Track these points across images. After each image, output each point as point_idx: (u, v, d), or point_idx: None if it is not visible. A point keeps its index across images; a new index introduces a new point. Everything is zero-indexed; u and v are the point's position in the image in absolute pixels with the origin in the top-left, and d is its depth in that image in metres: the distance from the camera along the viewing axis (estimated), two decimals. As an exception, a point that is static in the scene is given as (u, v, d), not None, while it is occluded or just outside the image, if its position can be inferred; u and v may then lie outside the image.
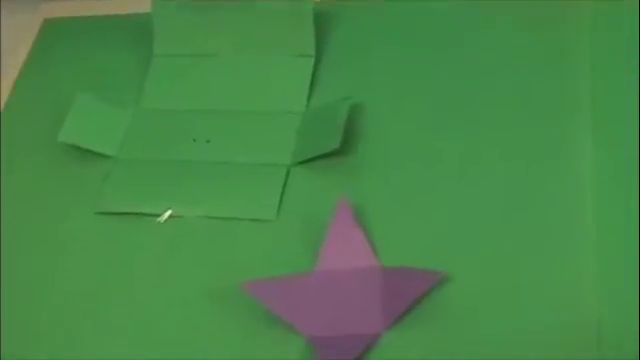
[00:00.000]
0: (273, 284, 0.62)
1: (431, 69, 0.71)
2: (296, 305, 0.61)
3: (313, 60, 0.73)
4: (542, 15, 0.71)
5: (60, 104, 0.75)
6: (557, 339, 0.57)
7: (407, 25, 0.74)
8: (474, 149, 0.66)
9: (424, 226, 0.63)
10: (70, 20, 0.83)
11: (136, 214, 0.69)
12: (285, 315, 0.60)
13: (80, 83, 0.77)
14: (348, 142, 0.68)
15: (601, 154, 0.63)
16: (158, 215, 0.68)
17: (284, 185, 0.68)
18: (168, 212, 0.68)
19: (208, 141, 0.71)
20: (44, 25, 0.84)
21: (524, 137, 0.65)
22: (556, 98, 0.66)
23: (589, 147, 0.64)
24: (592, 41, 0.69)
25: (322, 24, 0.75)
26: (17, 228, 0.71)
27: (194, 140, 0.72)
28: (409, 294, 0.60)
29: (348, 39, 0.75)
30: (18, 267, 0.69)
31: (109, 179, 0.71)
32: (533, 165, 0.64)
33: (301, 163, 0.68)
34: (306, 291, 0.61)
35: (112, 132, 0.74)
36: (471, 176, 0.65)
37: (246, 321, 0.62)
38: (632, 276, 0.58)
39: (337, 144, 0.66)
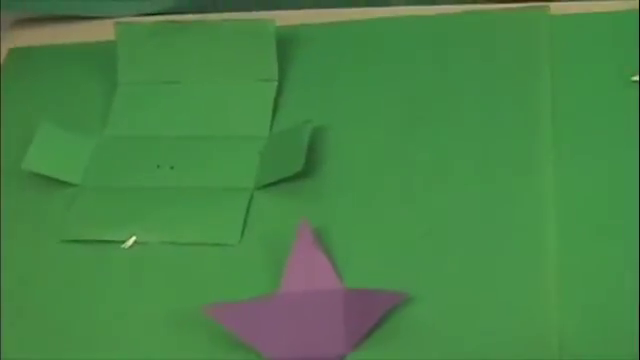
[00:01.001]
0: (234, 307, 0.61)
1: (393, 90, 0.72)
2: (258, 328, 0.61)
3: (276, 84, 0.74)
4: (503, 30, 0.72)
5: (24, 132, 0.75)
6: (520, 355, 0.57)
7: (368, 47, 0.75)
8: (435, 169, 0.66)
9: (386, 246, 0.63)
10: (34, 49, 0.83)
11: (101, 241, 0.69)
12: (248, 338, 0.60)
13: (44, 112, 0.77)
14: (311, 165, 0.68)
15: (564, 164, 0.64)
16: (123, 242, 0.68)
17: (247, 209, 0.68)
18: (132, 238, 0.68)
19: (172, 167, 0.71)
20: (8, 55, 0.84)
21: (486, 153, 0.66)
22: (518, 111, 0.67)
23: (552, 158, 0.65)
24: (552, 54, 0.70)
25: (284, 48, 0.75)
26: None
27: (158, 166, 0.72)
28: (372, 315, 0.60)
29: (310, 62, 0.75)
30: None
31: (73, 207, 0.71)
32: (496, 181, 0.65)
33: (264, 187, 0.69)
34: (268, 314, 0.61)
35: (76, 160, 0.73)
36: (432, 196, 0.65)
37: (210, 345, 0.61)
38: (593, 289, 0.59)
39: (300, 167, 0.66)
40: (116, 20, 0.79)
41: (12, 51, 0.84)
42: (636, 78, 0.67)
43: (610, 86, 0.67)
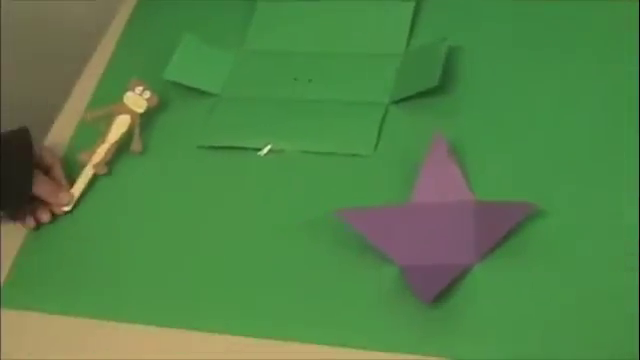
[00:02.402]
0: (368, 213, 0.63)
1: (527, 15, 0.72)
2: (389, 234, 0.62)
3: (414, 4, 0.75)
4: None
5: (167, 45, 0.78)
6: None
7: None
8: (566, 91, 0.67)
9: (518, 162, 0.64)
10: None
11: (238, 148, 0.71)
12: (378, 243, 0.62)
13: (186, 26, 0.80)
14: (445, 82, 0.69)
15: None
16: (259, 149, 0.71)
17: (382, 122, 0.69)
18: (268, 146, 0.70)
19: (310, 80, 0.73)
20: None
21: (613, 87, 0.66)
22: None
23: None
24: None
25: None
26: (125, 160, 0.74)
27: (295, 79, 0.74)
28: (501, 227, 0.61)
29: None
30: (127, 196, 0.72)
31: (212, 115, 0.74)
32: (621, 107, 0.65)
33: (399, 101, 0.70)
34: (400, 221, 0.63)
35: (216, 71, 0.76)
36: (562, 117, 0.66)
37: (341, 249, 0.63)
38: None
39: (436, 82, 0.67)
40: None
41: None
42: None
43: None
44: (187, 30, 0.79)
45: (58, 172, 0.71)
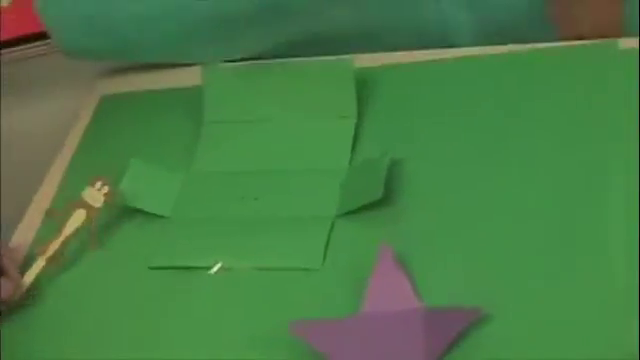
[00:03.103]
0: (319, 325, 0.64)
1: (466, 126, 0.75)
2: (341, 345, 0.63)
3: (355, 121, 0.77)
4: (573, 66, 0.75)
5: (117, 171, 0.79)
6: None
7: (441, 87, 0.79)
8: (508, 196, 0.69)
9: (465, 267, 0.65)
10: (125, 95, 0.89)
11: (188, 268, 0.72)
12: (331, 355, 0.62)
13: (136, 151, 0.82)
14: (389, 194, 0.71)
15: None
16: (209, 268, 0.71)
17: (329, 235, 0.70)
18: (218, 264, 0.71)
19: (256, 198, 0.75)
20: (100, 102, 0.89)
21: (559, 187, 0.68)
22: (590, 147, 0.70)
23: (623, 185, 0.66)
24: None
25: (361, 88, 0.79)
26: (76, 280, 0.75)
27: (242, 198, 0.75)
28: (450, 332, 0.61)
29: (386, 102, 0.79)
30: (74, 316, 0.72)
31: (163, 236, 0.75)
32: (568, 207, 0.66)
33: (345, 215, 0.71)
34: (351, 332, 0.63)
35: (165, 194, 0.78)
36: (508, 222, 0.67)
37: (294, 364, 0.64)
38: None
39: (379, 194, 0.69)
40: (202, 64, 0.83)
41: (104, 98, 0.89)
42: None
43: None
44: (136, 154, 0.80)
45: (5, 262, 0.72)
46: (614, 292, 0.61)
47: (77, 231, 0.74)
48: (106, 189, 0.75)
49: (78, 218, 0.74)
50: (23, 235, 0.80)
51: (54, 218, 0.75)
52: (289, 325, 0.64)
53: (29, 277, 0.73)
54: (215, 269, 0.71)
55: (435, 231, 0.68)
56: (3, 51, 0.87)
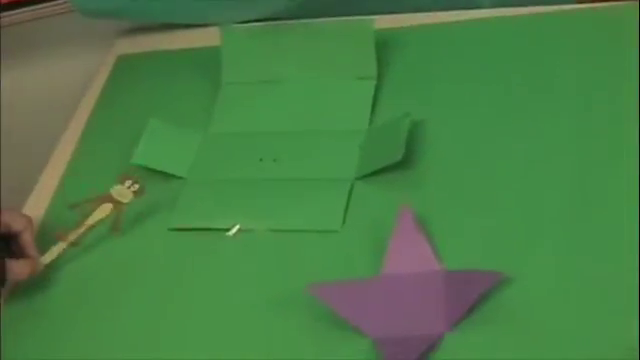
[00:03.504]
0: (339, 287, 0.64)
1: (486, 86, 0.75)
2: (361, 307, 0.63)
3: (375, 82, 0.77)
4: (594, 26, 0.75)
5: (134, 130, 0.79)
6: (617, 341, 0.57)
7: (462, 47, 0.78)
8: (528, 158, 0.68)
9: (485, 231, 0.65)
10: (142, 55, 0.89)
11: (207, 229, 0.72)
12: (350, 317, 0.62)
13: (152, 111, 0.81)
14: (409, 156, 0.71)
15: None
16: (228, 230, 0.71)
17: (349, 198, 0.70)
18: (237, 227, 0.71)
19: (274, 160, 0.75)
20: (117, 61, 0.89)
21: (579, 147, 0.68)
22: (610, 107, 0.69)
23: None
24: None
25: (381, 50, 0.78)
26: (95, 243, 0.74)
27: (261, 160, 0.75)
28: (470, 295, 0.61)
29: (406, 62, 0.79)
30: (95, 279, 0.72)
31: (180, 197, 0.75)
32: (588, 173, 0.66)
33: (365, 177, 0.71)
34: (371, 294, 0.63)
35: (183, 155, 0.77)
36: (527, 184, 0.67)
37: (313, 324, 0.64)
38: None
39: (400, 156, 0.69)
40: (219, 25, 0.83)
41: (120, 58, 0.89)
42: None
43: None
44: (153, 114, 0.80)
45: (27, 238, 0.71)
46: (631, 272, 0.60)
47: (100, 222, 0.73)
48: (136, 187, 0.74)
49: (103, 211, 0.73)
50: (39, 197, 0.80)
51: (78, 209, 0.74)
52: (307, 287, 0.64)
53: (48, 258, 0.72)
54: (234, 231, 0.71)
55: (455, 194, 0.68)
56: (23, 9, 0.87)
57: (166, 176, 0.77)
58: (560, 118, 0.70)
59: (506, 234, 0.65)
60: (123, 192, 0.74)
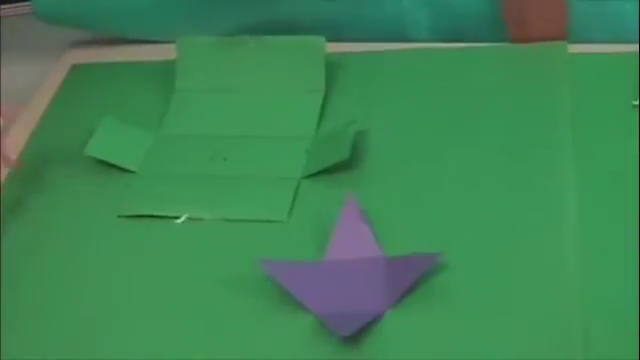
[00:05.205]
0: (288, 265, 0.68)
1: (424, 108, 0.81)
2: (307, 285, 0.67)
3: (322, 95, 0.83)
4: (527, 60, 0.82)
5: (86, 131, 0.82)
6: (545, 327, 0.62)
7: (403, 73, 0.85)
8: (466, 164, 0.75)
9: (423, 222, 0.71)
10: (97, 65, 0.92)
11: (157, 217, 0.75)
12: (297, 293, 0.66)
13: (107, 110, 0.84)
14: (353, 160, 0.76)
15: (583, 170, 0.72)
16: (176, 218, 0.75)
17: (295, 193, 0.75)
18: (185, 215, 0.75)
19: (225, 159, 0.79)
20: (72, 70, 0.92)
21: (511, 150, 0.75)
22: (541, 125, 0.77)
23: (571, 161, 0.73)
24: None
25: (329, 70, 0.84)
26: (48, 230, 0.76)
27: (211, 159, 0.79)
28: (409, 277, 0.66)
29: (350, 81, 0.85)
30: (46, 266, 0.74)
31: (131, 187, 0.78)
32: (521, 173, 0.73)
33: (311, 176, 0.76)
34: (317, 274, 0.67)
35: (135, 150, 0.81)
36: (465, 182, 0.73)
37: (261, 303, 0.67)
38: (617, 289, 0.64)
39: (346, 155, 0.74)
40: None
41: (75, 67, 0.93)
42: (636, 102, 0.77)
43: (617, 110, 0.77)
44: (107, 113, 0.83)
45: None
46: (564, 249, 0.67)
47: None
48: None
49: None
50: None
51: None
52: (260, 263, 0.68)
53: None
54: (182, 219, 0.75)
55: (396, 191, 0.74)
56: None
57: (116, 169, 0.80)
58: (489, 135, 0.77)
59: (443, 225, 0.70)
60: None
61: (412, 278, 0.66)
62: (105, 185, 0.79)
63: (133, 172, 0.79)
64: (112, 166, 0.80)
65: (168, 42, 0.89)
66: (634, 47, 0.81)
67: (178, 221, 0.75)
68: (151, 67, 0.90)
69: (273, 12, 0.89)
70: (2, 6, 0.89)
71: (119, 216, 0.76)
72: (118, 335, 0.67)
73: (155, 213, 0.75)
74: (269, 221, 0.73)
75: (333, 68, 0.85)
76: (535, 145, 0.75)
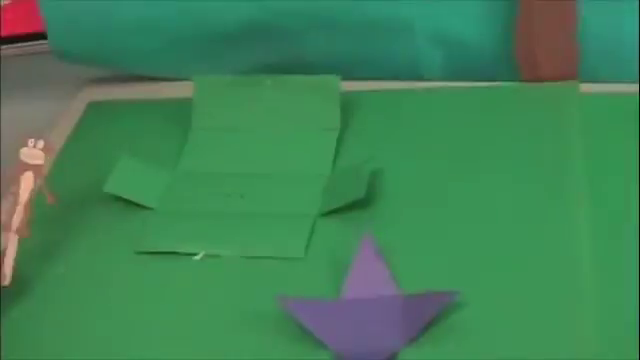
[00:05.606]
0: (305, 303, 0.68)
1: (437, 146, 0.82)
2: (324, 322, 0.67)
3: (338, 133, 0.84)
4: (539, 99, 0.83)
5: (103, 168, 0.83)
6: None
7: (416, 111, 0.86)
8: (480, 201, 0.76)
9: (439, 260, 0.72)
10: (113, 103, 0.93)
11: (175, 253, 0.76)
12: (314, 329, 0.67)
13: (124, 149, 0.85)
14: (369, 198, 0.77)
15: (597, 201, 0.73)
16: (194, 254, 0.76)
17: (312, 230, 0.76)
18: (203, 251, 0.75)
19: (242, 196, 0.80)
20: (88, 108, 0.94)
21: (524, 188, 0.76)
22: (552, 160, 0.78)
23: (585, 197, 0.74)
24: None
25: (345, 107, 0.86)
26: (66, 267, 0.77)
27: (228, 195, 0.80)
28: (426, 314, 0.67)
29: (365, 121, 0.86)
30: (65, 302, 0.74)
31: (148, 223, 0.79)
32: (534, 210, 0.74)
33: (327, 214, 0.77)
34: (334, 311, 0.68)
35: (152, 188, 0.82)
36: (479, 220, 0.74)
37: (278, 339, 0.68)
38: (632, 318, 0.65)
39: (363, 193, 0.75)
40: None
41: (91, 105, 0.94)
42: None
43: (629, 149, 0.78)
44: (124, 151, 0.84)
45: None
46: (582, 290, 0.67)
47: (32, 193, 0.73)
48: (41, 144, 0.74)
49: (28, 181, 0.73)
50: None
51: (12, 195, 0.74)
52: (277, 299, 0.68)
53: (8, 261, 0.72)
54: (200, 255, 0.75)
55: (416, 231, 0.74)
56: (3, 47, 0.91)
57: (135, 206, 0.81)
58: (503, 173, 0.78)
59: (459, 262, 0.71)
60: (33, 153, 0.74)
61: (429, 316, 0.67)
62: (123, 222, 0.80)
63: (151, 209, 0.80)
64: (130, 203, 0.81)
65: (184, 80, 0.91)
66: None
67: (196, 258, 0.75)
68: (168, 105, 0.92)
69: (287, 51, 0.90)
70: (15, 44, 0.91)
71: (137, 252, 0.77)
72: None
73: (173, 250, 0.76)
74: (286, 258, 0.74)
75: (348, 106, 0.86)
76: (549, 183, 0.76)
